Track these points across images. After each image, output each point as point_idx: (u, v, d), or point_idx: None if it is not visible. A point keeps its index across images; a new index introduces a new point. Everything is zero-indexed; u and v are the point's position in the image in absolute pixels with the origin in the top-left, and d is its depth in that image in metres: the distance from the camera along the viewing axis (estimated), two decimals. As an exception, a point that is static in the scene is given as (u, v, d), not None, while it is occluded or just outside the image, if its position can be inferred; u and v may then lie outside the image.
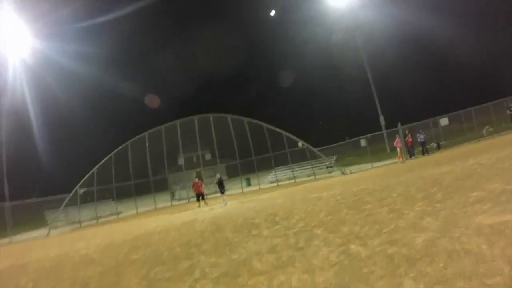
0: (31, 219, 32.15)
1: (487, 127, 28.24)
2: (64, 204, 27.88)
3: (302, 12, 58.01)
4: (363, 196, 10.64)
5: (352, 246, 5.61)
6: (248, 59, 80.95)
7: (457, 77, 52.37)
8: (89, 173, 29.02)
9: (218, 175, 22.62)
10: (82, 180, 28.70)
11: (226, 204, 20.03)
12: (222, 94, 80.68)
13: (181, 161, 36.69)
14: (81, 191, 28.84)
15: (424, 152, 26.21)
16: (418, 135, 26.35)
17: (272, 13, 60.86)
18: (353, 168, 29.01)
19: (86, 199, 29.97)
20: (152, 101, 61.59)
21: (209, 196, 26.48)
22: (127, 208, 32.35)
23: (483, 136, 27.40)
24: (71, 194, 28.12)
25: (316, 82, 70.89)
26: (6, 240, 24.45)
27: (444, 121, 29.46)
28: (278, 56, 73.42)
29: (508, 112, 26.26)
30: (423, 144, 26.33)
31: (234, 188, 32.45)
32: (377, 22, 47.60)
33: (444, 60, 51.79)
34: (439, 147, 27.23)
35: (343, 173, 26.91)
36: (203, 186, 24.85)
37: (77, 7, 51.63)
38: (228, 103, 75.61)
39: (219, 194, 22.31)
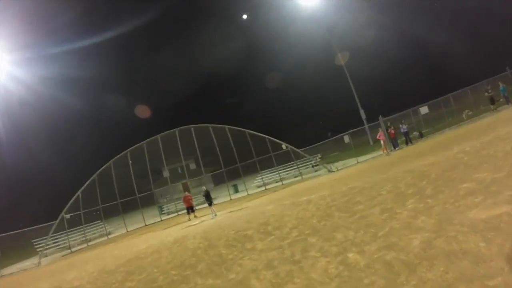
0: (20, 249, 31.47)
1: (466, 111, 28.52)
2: (51, 231, 27.33)
3: (273, 12, 58.08)
4: (353, 196, 10.59)
5: (350, 255, 5.53)
6: (223, 64, 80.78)
7: (432, 66, 53.04)
8: (74, 197, 28.51)
9: (203, 188, 22.46)
10: (68, 205, 28.19)
11: (215, 215, 19.77)
12: (201, 103, 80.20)
13: (166, 173, 36.37)
14: (68, 216, 28.31)
15: (408, 142, 26.35)
16: (400, 125, 26.49)
17: (244, 16, 60.95)
18: (339, 164, 28.98)
19: (74, 223, 29.43)
20: (139, 113, 61.38)
21: (197, 207, 26.25)
22: (116, 228, 31.91)
23: (463, 120, 27.64)
24: (58, 220, 27.60)
25: (295, 82, 71.13)
26: None
27: (424, 109, 29.61)
28: (254, 59, 73.31)
29: (486, 94, 26.67)
30: (406, 134, 26.48)
31: (221, 196, 32.28)
32: (350, 17, 48.08)
33: (419, 51, 52.41)
34: (421, 135, 27.41)
35: (329, 171, 26.91)
36: (192, 199, 24.69)
37: (62, 26, 51.31)
38: (208, 111, 75.25)
39: (207, 205, 22.11)
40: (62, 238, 28.93)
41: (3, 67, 40.57)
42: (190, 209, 24.02)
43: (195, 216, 23.43)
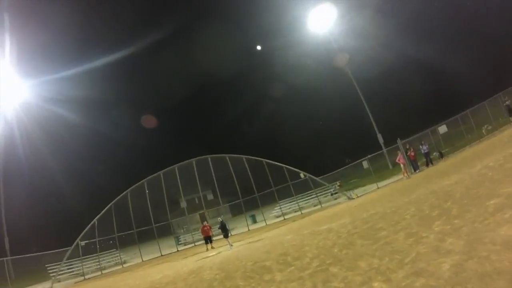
0: (33, 272, 31.31)
1: (485, 125, 27.92)
2: (66, 256, 27.11)
3: (287, 41, 58.74)
4: (375, 222, 10.13)
5: (375, 284, 5.11)
6: (237, 94, 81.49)
7: (447, 83, 52.57)
8: (90, 225, 28.36)
9: (219, 219, 22.11)
10: (83, 232, 28.03)
11: (231, 247, 19.28)
12: (219, 135, 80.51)
13: (183, 204, 36.25)
14: (83, 243, 28.13)
15: (428, 163, 25.76)
16: (421, 146, 25.95)
17: (258, 47, 61.71)
18: (359, 191, 28.45)
19: (89, 251, 29.20)
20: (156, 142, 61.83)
21: (215, 238, 25.82)
22: (132, 257, 31.47)
23: (483, 135, 27.04)
24: (73, 246, 27.42)
25: (310, 110, 71.03)
26: None
27: (442, 128, 29.18)
28: (270, 88, 73.61)
29: (504, 105, 26.19)
30: (426, 155, 25.90)
31: (239, 226, 31.88)
32: (364, 41, 48.35)
33: (432, 71, 52.16)
34: (442, 155, 26.80)
35: (349, 198, 26.37)
36: (211, 229, 24.37)
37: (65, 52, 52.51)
38: (226, 142, 75.48)
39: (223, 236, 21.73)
40: (76, 265, 28.62)
41: (19, 92, 41.51)
42: (208, 240, 23.69)
43: (212, 247, 23.03)
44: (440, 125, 29.21)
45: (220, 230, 21.85)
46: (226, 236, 20.69)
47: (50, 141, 55.04)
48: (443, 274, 4.48)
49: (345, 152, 59.56)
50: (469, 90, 42.52)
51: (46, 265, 29.07)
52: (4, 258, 27.17)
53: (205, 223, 25.17)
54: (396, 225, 8.59)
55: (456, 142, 28.90)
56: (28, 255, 30.58)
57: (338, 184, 32.09)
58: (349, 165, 34.39)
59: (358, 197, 25.43)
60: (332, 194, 30.62)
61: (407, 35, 48.99)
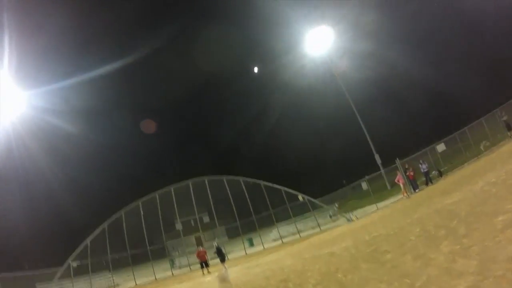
0: None
1: (484, 142, 27.84)
2: (56, 277, 26.49)
3: (285, 62, 59.14)
4: (379, 245, 9.76)
5: (386, 311, 4.77)
6: (235, 115, 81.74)
7: (443, 101, 52.87)
8: (82, 245, 27.81)
9: (215, 244, 21.70)
10: (75, 253, 27.47)
11: (226, 272, 18.73)
12: (216, 156, 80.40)
13: (178, 226, 35.79)
14: (74, 264, 27.55)
15: (428, 182, 25.52)
16: (420, 165, 25.75)
17: (255, 69, 62.01)
18: (358, 212, 28.16)
19: (81, 271, 28.57)
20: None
21: (211, 261, 25.33)
22: (125, 280, 30.68)
23: (481, 152, 26.91)
24: (64, 267, 26.81)
25: (306, 131, 71.08)
26: None
27: (441, 146, 29.08)
28: (267, 108, 73.85)
29: (502, 120, 26.20)
30: (426, 174, 25.70)
31: (236, 250, 31.43)
32: (358, 61, 48.78)
33: (429, 90, 52.56)
34: (441, 174, 26.59)
35: (348, 220, 26.03)
36: (207, 253, 23.94)
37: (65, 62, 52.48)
38: (222, 163, 75.29)
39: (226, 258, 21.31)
40: (67, 286, 28.00)
41: (16, 102, 41.24)
42: (204, 264, 23.28)
43: (208, 272, 22.59)
44: (439, 144, 29.13)
45: (216, 254, 21.41)
46: (222, 260, 20.28)
47: (45, 154, 54.67)
48: (459, 299, 4.17)
49: (343, 173, 59.33)
50: (466, 107, 42.68)
51: (36, 284, 28.50)
52: None
53: (200, 247, 24.77)
54: (401, 247, 8.23)
55: (455, 160, 28.78)
56: (18, 274, 30.06)
57: (337, 205, 31.82)
58: (347, 186, 34.21)
59: (357, 219, 25.11)
60: (330, 216, 30.32)
61: (404, 54, 49.42)
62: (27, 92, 43.31)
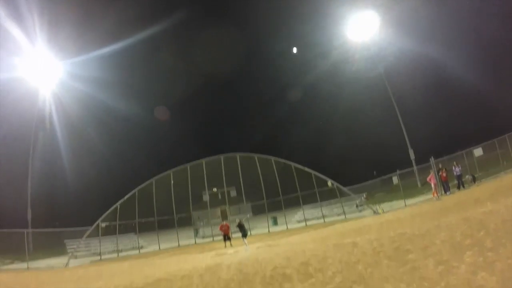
0: (51, 246, 32.16)
1: (524, 153, 27.01)
2: (86, 235, 27.72)
3: (322, 46, 58.29)
4: (403, 243, 9.87)
5: (401, 311, 4.99)
6: (269, 97, 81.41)
7: (487, 105, 51.20)
8: (112, 208, 28.87)
9: (237, 220, 22.08)
10: (105, 214, 28.56)
11: (248, 248, 19.14)
12: (247, 134, 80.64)
13: (206, 197, 36.55)
14: (103, 224, 28.70)
15: (460, 186, 25.14)
16: (454, 168, 25.29)
17: (295, 50, 61.47)
18: (385, 206, 28.03)
19: (108, 232, 29.79)
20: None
21: (234, 235, 25.87)
22: (149, 243, 32.00)
23: (520, 164, 26.20)
24: (93, 226, 27.97)
25: (341, 118, 70.28)
26: (24, 265, 24.25)
27: (478, 151, 28.42)
28: (299, 93, 73.18)
29: None
30: (459, 177, 25.26)
31: (260, 227, 31.88)
32: (402, 53, 47.54)
33: (473, 91, 50.83)
34: (474, 179, 26.07)
35: (375, 212, 26.02)
36: (230, 227, 24.49)
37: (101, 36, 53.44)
38: (253, 141, 75.55)
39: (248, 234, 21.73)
40: (94, 244, 29.33)
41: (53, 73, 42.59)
42: (227, 237, 23.82)
43: (231, 245, 23.13)
44: (476, 148, 28.46)
45: (238, 229, 21.82)
46: (244, 235, 20.65)
47: (83, 120, 56.34)
48: (474, 311, 4.33)
49: (375, 165, 58.71)
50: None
51: (65, 241, 29.88)
52: (25, 230, 27.86)
53: (224, 222, 25.37)
54: (425, 250, 8.34)
55: (491, 167, 28.07)
56: (49, 229, 31.44)
57: (365, 196, 31.76)
58: (377, 178, 33.98)
59: (384, 212, 25.07)
60: (357, 206, 30.32)
61: (453, 52, 47.88)
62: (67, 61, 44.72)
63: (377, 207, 27.08)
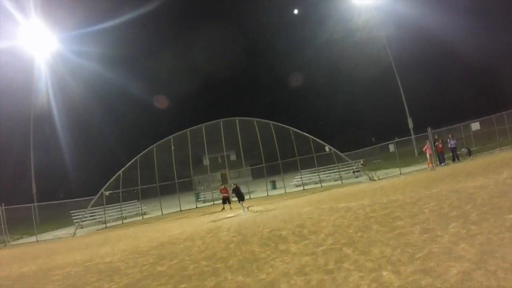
0: (58, 218, 33.07)
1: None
2: (90, 204, 28.30)
3: (324, 10, 57.60)
4: (393, 210, 10.37)
5: (384, 273, 5.42)
6: (269, 61, 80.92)
7: (488, 80, 51.04)
8: (115, 176, 29.29)
9: (232, 184, 22.32)
10: (108, 183, 29.01)
11: (246, 212, 19.52)
12: (246, 98, 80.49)
13: (206, 162, 36.82)
14: (107, 193, 29.20)
15: (455, 158, 25.51)
16: (448, 140, 25.58)
17: (295, 11, 60.69)
18: (381, 173, 28.42)
19: (112, 200, 30.39)
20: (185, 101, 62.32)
21: (234, 199, 26.38)
22: (152, 209, 32.64)
23: (516, 141, 26.43)
24: (97, 195, 28.50)
25: (341, 84, 70.04)
26: (33, 238, 25.07)
27: (475, 125, 28.48)
28: (300, 58, 72.75)
29: None
30: (453, 150, 25.57)
31: (259, 190, 32.34)
32: (404, 20, 46.99)
33: (474, 64, 50.49)
34: (470, 153, 26.36)
35: (370, 179, 26.43)
36: (230, 191, 24.83)
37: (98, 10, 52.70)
38: (252, 106, 75.53)
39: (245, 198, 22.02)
40: (99, 213, 30.05)
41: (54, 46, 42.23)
42: (227, 201, 24.25)
43: (230, 208, 23.58)
44: (474, 122, 28.58)
45: (235, 194, 22.05)
46: (241, 200, 20.90)
47: (79, 95, 56.29)
48: (449, 278, 4.72)
49: (373, 132, 59.06)
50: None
51: (70, 212, 30.58)
52: (31, 204, 28.43)
53: (224, 185, 25.79)
54: (413, 217, 8.83)
55: (487, 143, 28.34)
56: (54, 202, 32.06)
57: (362, 162, 32.15)
58: (375, 145, 34.30)
59: (379, 179, 25.48)
60: (354, 172, 30.76)
61: (457, 23, 47.24)
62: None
63: (373, 174, 27.48)
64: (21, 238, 27.20)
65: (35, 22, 39.15)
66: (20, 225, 28.60)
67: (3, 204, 25.75)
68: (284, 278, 6.19)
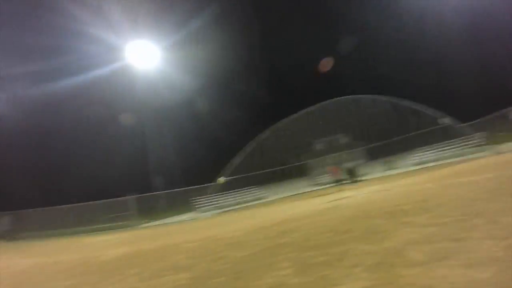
0: (180, 205, 35.74)
1: None
2: (210, 191, 30.07)
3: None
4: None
5: (516, 240, 5.28)
6: (375, 31, 77.93)
7: None
8: (231, 163, 30.63)
9: (346, 165, 22.19)
10: (225, 170, 30.45)
11: (362, 192, 19.23)
12: (353, 74, 78.52)
13: (319, 146, 36.91)
14: (222, 180, 30.75)
15: None
16: None
17: None
18: (509, 146, 26.39)
19: (229, 186, 31.98)
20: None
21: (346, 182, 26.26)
22: (269, 194, 33.69)
23: None
24: (216, 182, 30.12)
25: (457, 47, 65.18)
26: (159, 222, 27.56)
27: None
28: (411, 28, 68.91)
29: None
30: None
31: (374, 172, 31.78)
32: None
33: None
34: None
35: (497, 153, 24.78)
36: (341, 171, 24.76)
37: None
38: (361, 82, 73.49)
39: (359, 179, 21.86)
40: (218, 199, 31.83)
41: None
42: (340, 181, 24.31)
43: (346, 188, 23.55)
44: None
45: (348, 176, 21.92)
46: (354, 181, 20.73)
47: (189, 87, 58.77)
48: None
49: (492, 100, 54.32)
50: None
51: (190, 199, 33.00)
52: (158, 193, 31.13)
53: (334, 167, 25.81)
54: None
55: None
56: (176, 189, 34.78)
57: (484, 135, 30.17)
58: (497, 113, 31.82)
59: (506, 153, 23.79)
60: (477, 146, 28.99)
61: None
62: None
63: (498, 147, 25.63)
64: (149, 222, 29.99)
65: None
66: (148, 211, 31.64)
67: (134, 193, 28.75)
68: (410, 246, 6.23)
